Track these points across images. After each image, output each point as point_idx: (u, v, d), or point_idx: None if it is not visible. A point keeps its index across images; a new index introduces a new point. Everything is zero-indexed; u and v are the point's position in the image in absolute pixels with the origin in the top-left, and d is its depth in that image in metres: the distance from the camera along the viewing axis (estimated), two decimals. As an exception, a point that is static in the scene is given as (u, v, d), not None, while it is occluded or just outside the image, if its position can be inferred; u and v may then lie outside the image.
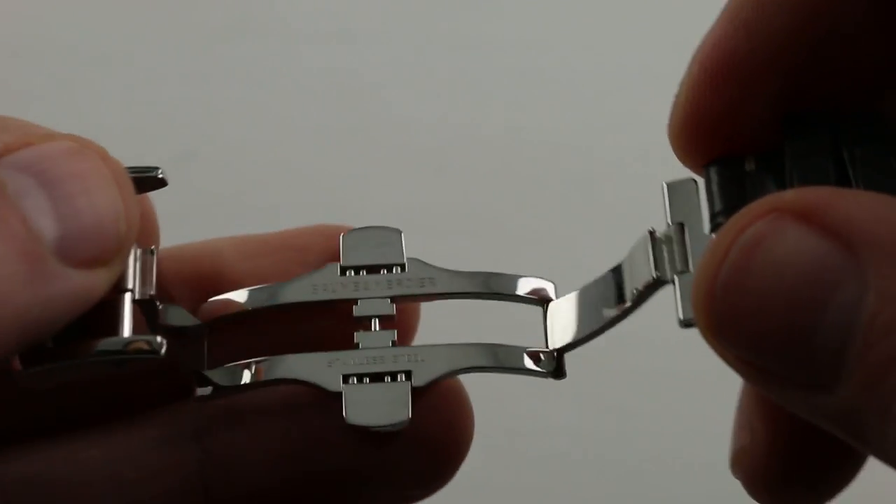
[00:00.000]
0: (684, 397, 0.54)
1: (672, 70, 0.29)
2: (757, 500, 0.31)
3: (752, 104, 0.27)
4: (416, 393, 0.29)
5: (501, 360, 0.30)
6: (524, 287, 0.30)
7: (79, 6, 0.66)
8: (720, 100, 0.27)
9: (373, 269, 0.30)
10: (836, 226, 0.22)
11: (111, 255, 0.26)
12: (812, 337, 0.22)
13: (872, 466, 0.26)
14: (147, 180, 0.28)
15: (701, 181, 0.28)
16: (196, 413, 0.30)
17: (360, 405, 0.29)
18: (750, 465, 0.30)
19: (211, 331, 0.30)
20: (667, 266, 0.27)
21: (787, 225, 0.23)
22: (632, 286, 0.28)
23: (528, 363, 0.30)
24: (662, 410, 0.55)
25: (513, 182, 0.61)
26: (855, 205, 0.23)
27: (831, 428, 0.23)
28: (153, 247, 0.29)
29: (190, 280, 0.30)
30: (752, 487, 0.30)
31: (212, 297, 0.30)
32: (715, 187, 0.27)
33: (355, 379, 0.29)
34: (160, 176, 0.28)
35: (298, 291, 0.30)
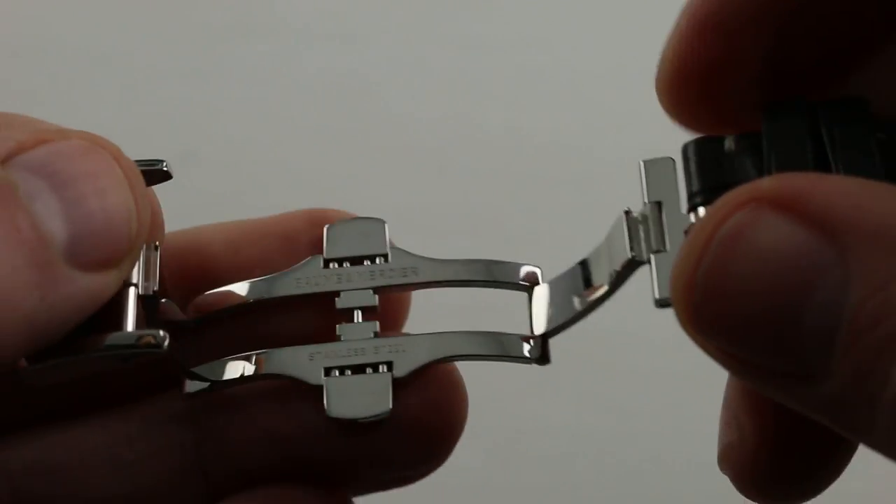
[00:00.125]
0: (684, 397, 0.54)
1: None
2: (746, 496, 0.30)
3: (740, 58, 0.27)
4: (400, 383, 0.29)
5: (485, 347, 0.29)
6: (510, 273, 0.30)
7: (79, 6, 0.66)
8: (708, 52, 0.27)
9: (356, 261, 0.30)
10: (815, 214, 0.22)
11: (121, 257, 0.26)
12: (797, 327, 0.22)
13: (869, 461, 0.26)
14: (153, 173, 0.28)
15: (679, 160, 0.27)
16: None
17: (342, 397, 0.28)
18: (738, 460, 0.30)
19: (197, 326, 0.30)
20: (643, 245, 0.27)
21: (766, 215, 0.22)
22: (610, 268, 0.28)
23: (513, 349, 0.29)
24: (662, 410, 0.55)
25: (512, 182, 0.61)
26: (834, 192, 0.22)
27: (820, 417, 0.23)
28: (157, 242, 0.29)
29: (176, 274, 0.30)
30: (740, 483, 0.30)
31: (198, 290, 0.30)
32: (693, 166, 0.27)
33: (337, 371, 0.29)
34: (165, 169, 0.29)
35: (282, 286, 0.30)
